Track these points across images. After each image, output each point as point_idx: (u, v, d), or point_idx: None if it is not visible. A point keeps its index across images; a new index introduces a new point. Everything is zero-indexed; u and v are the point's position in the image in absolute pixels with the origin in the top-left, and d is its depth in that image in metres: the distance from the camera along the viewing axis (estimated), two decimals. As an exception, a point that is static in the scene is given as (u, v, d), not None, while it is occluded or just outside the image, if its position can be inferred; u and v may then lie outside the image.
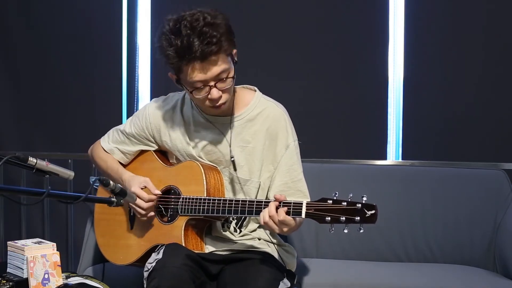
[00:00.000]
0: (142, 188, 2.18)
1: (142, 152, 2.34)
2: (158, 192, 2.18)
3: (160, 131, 2.26)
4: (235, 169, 2.17)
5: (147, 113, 2.28)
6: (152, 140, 2.29)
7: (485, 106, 3.26)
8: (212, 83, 2.03)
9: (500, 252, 2.67)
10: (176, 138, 2.24)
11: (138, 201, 2.15)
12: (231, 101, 2.16)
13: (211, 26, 1.98)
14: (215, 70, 2.01)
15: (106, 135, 2.39)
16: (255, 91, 2.26)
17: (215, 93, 2.05)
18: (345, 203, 1.86)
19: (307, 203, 1.91)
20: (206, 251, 2.16)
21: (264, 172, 2.20)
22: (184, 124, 2.23)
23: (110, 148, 2.34)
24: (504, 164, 3.06)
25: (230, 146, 2.17)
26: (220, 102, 2.08)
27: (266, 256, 2.15)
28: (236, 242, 2.21)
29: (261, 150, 2.18)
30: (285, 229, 1.96)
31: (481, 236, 2.74)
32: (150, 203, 2.16)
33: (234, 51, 2.09)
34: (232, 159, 2.16)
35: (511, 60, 3.24)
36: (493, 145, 3.24)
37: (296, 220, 1.98)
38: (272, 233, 2.26)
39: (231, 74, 2.06)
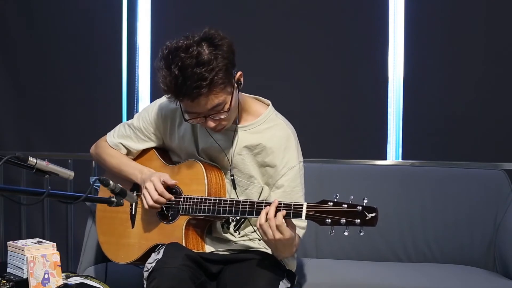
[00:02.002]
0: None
1: (144, 151, 2.33)
2: (173, 182, 2.15)
3: (168, 127, 2.26)
4: (234, 188, 2.16)
5: (157, 108, 2.28)
6: (159, 135, 2.29)
7: (485, 106, 3.26)
8: (205, 115, 2.03)
9: (500, 252, 2.67)
10: (182, 137, 2.24)
11: (152, 190, 2.13)
12: (237, 113, 2.14)
13: (204, 66, 1.93)
14: (207, 107, 1.99)
15: (112, 130, 2.38)
16: (268, 105, 2.24)
17: (210, 123, 2.04)
18: (345, 205, 1.86)
19: (307, 205, 1.91)
20: (207, 251, 2.16)
21: (263, 181, 2.19)
22: (191, 124, 2.23)
23: (115, 143, 2.33)
24: (504, 164, 3.06)
25: (231, 155, 2.16)
26: (218, 128, 2.08)
27: (266, 256, 2.15)
28: (236, 243, 2.21)
29: (262, 162, 2.17)
30: (277, 236, 1.93)
31: (481, 236, 2.74)
32: (160, 198, 2.13)
33: (237, 75, 2.05)
34: (232, 178, 2.16)
35: (511, 60, 3.24)
36: (493, 145, 3.24)
37: (293, 231, 1.97)
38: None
39: (227, 107, 2.02)
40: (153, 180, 2.15)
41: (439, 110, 3.32)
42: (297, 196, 2.16)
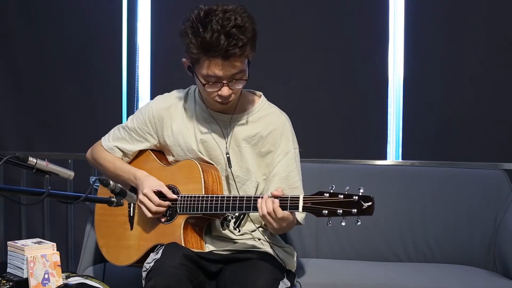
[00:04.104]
0: (154, 192, 2.18)
1: (140, 152, 2.34)
2: (175, 196, 2.17)
3: (163, 124, 2.27)
4: (230, 166, 2.18)
5: (151, 107, 2.29)
6: (154, 135, 2.29)
7: (485, 106, 3.25)
8: (225, 81, 2.06)
9: (500, 252, 2.67)
10: (178, 132, 2.24)
11: (148, 203, 2.16)
12: (236, 101, 2.19)
13: (240, 29, 2.00)
14: (233, 70, 2.04)
15: (107, 134, 2.39)
16: (260, 96, 2.28)
17: (225, 91, 2.08)
18: (341, 196, 1.88)
19: (304, 197, 1.93)
20: (206, 250, 2.16)
21: (261, 174, 2.21)
22: (187, 119, 2.24)
23: (110, 146, 2.33)
24: (504, 164, 3.06)
25: (226, 143, 2.19)
26: (228, 100, 2.11)
27: (266, 256, 2.16)
28: (236, 242, 2.21)
29: (259, 152, 2.19)
30: (284, 224, 1.99)
31: (481, 236, 2.74)
32: (160, 208, 2.16)
33: (253, 54, 2.11)
34: (228, 155, 2.18)
35: (511, 60, 3.23)
36: (493, 145, 3.24)
37: (294, 214, 2.00)
38: (272, 234, 2.26)
39: (245, 76, 2.09)
40: (146, 193, 2.16)
41: (439, 110, 3.31)
42: (293, 181, 2.18)
